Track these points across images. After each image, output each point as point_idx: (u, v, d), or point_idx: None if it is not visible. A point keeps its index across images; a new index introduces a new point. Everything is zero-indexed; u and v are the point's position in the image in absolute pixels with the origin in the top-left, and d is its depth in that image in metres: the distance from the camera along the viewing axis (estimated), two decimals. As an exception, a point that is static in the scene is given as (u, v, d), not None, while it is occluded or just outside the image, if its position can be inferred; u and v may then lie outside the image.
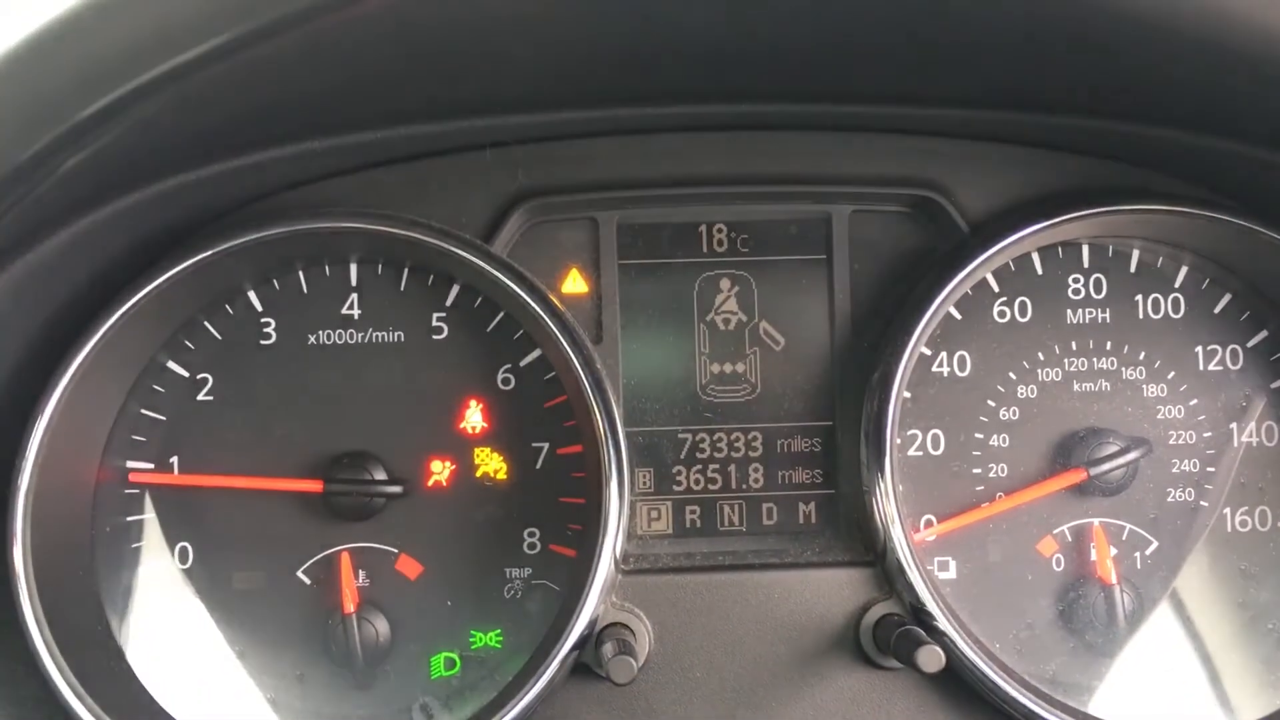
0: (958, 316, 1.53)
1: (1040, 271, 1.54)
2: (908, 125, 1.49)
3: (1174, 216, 1.47)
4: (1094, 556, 1.50)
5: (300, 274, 1.50)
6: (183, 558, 1.48)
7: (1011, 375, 1.53)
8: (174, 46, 0.87)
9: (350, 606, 1.45)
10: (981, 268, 1.47)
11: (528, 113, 1.44)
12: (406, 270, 1.50)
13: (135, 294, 1.36)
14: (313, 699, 1.46)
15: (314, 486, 1.45)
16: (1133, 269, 1.55)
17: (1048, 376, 1.53)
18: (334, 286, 1.50)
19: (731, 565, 1.47)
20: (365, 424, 1.48)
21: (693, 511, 1.53)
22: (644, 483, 1.53)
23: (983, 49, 1.27)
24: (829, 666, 1.43)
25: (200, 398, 1.48)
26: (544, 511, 1.48)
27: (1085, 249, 1.54)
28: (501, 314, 1.50)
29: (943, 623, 1.39)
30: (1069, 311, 1.54)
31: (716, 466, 1.54)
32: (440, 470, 1.49)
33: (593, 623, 1.38)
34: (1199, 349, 1.55)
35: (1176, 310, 1.55)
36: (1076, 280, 1.55)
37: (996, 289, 1.53)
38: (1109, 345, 1.54)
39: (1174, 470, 1.53)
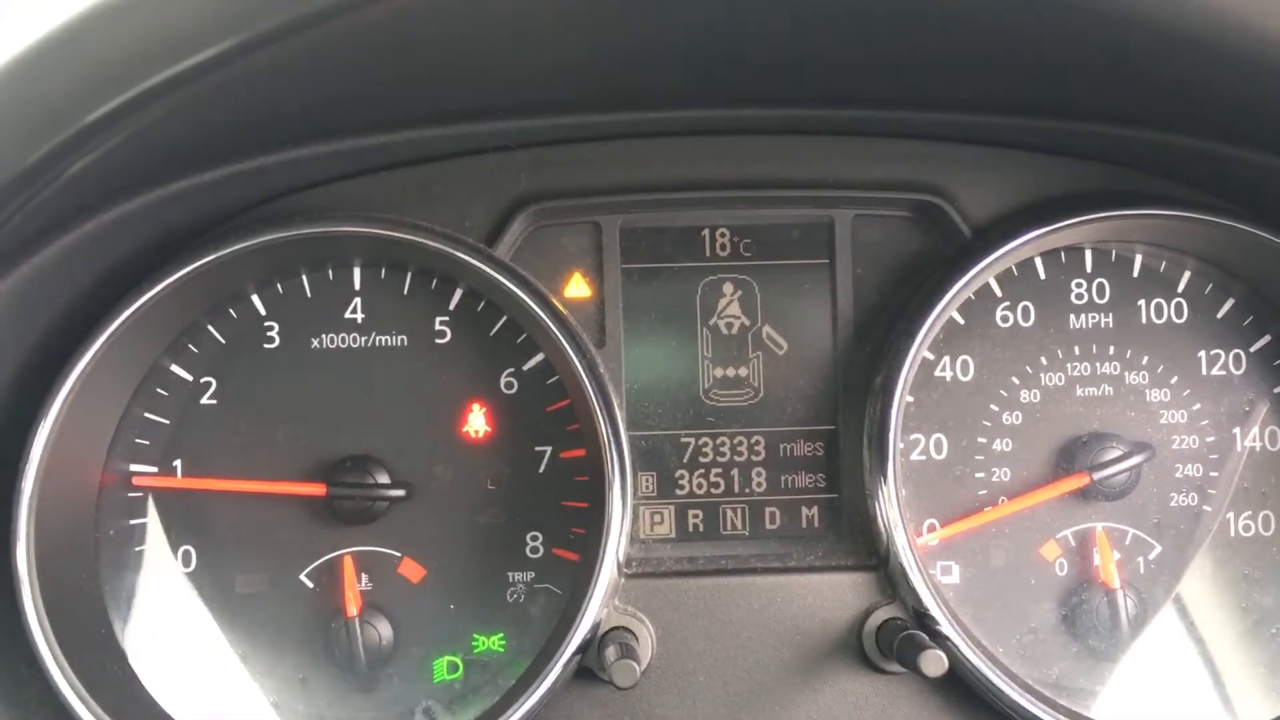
0: (960, 321, 1.53)
1: (1043, 276, 1.54)
2: (911, 130, 1.49)
3: (1177, 221, 1.47)
4: (1097, 561, 1.50)
5: (304, 278, 1.50)
6: (186, 561, 1.48)
7: (1014, 380, 1.53)
8: (179, 52, 0.87)
9: (353, 610, 1.45)
10: (984, 272, 1.47)
11: (531, 117, 1.44)
12: (410, 274, 1.51)
13: (140, 298, 1.37)
14: (315, 702, 1.46)
15: (317, 490, 1.45)
16: (1135, 274, 1.55)
17: (1051, 381, 1.53)
18: (337, 290, 1.50)
19: (734, 569, 1.47)
20: (368, 428, 1.49)
21: (695, 515, 1.53)
22: (647, 487, 1.53)
23: (985, 54, 1.28)
24: (832, 671, 1.43)
25: (204, 401, 1.49)
26: (547, 515, 1.49)
27: (1088, 254, 1.54)
28: (504, 318, 1.50)
29: (946, 627, 1.39)
30: (1072, 316, 1.54)
31: (719, 470, 1.54)
32: (443, 474, 1.49)
33: (595, 627, 1.38)
34: (1202, 354, 1.55)
35: (1179, 315, 1.55)
36: (1079, 285, 1.55)
37: (999, 293, 1.54)
38: (1112, 350, 1.54)
39: (1177, 475, 1.53)
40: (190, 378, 1.49)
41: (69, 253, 1.29)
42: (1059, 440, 1.52)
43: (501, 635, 1.48)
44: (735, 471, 1.54)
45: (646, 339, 1.53)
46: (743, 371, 1.55)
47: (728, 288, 1.55)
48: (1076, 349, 1.53)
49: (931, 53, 1.28)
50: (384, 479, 1.47)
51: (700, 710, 1.42)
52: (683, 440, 1.54)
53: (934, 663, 1.29)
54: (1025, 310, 1.54)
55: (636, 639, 1.39)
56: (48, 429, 1.34)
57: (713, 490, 1.53)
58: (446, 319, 1.50)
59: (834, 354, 1.53)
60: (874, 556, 1.46)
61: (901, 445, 1.49)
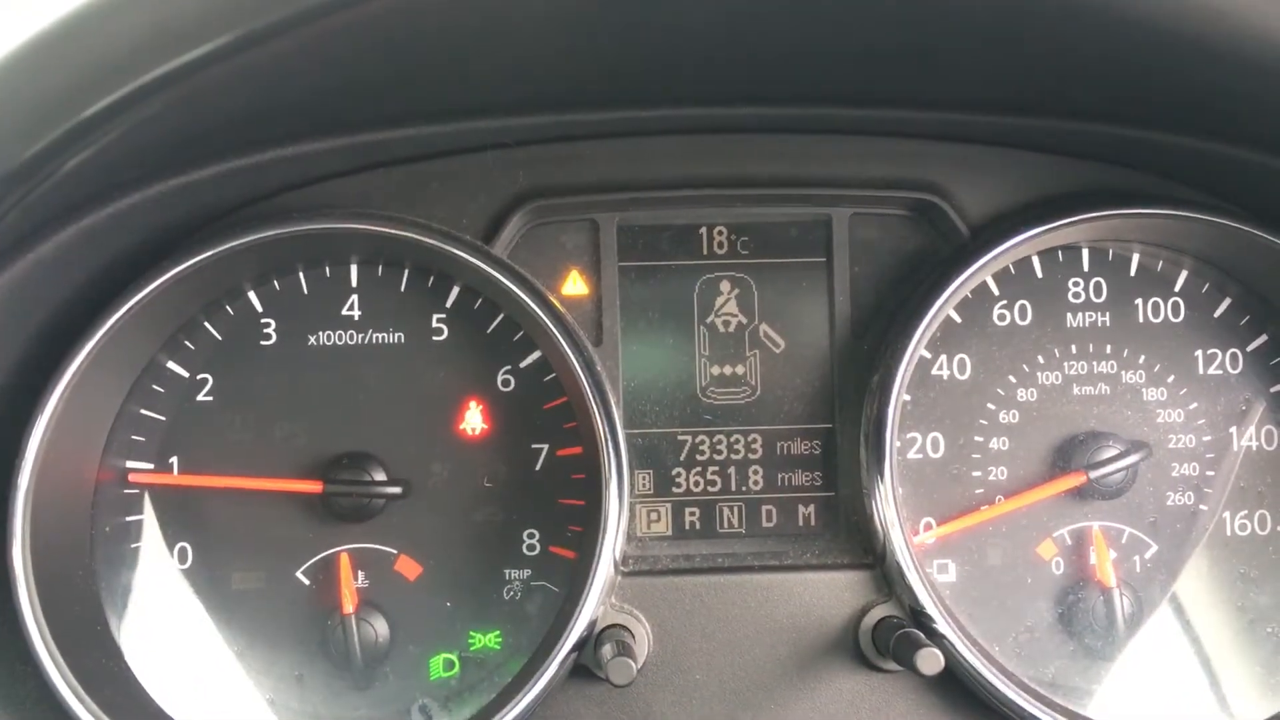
0: (958, 320, 1.53)
1: (1040, 275, 1.54)
2: (908, 129, 1.49)
3: (1174, 220, 1.47)
4: (1093, 560, 1.50)
5: (301, 275, 1.50)
6: (182, 558, 1.48)
7: (1011, 378, 1.53)
8: (175, 48, 0.87)
9: (349, 607, 1.45)
10: (981, 271, 1.47)
11: (529, 114, 1.44)
12: (407, 271, 1.50)
13: (136, 294, 1.36)
14: (311, 700, 1.46)
15: (314, 487, 1.45)
16: (1132, 273, 1.55)
17: (1048, 380, 1.53)
18: (334, 287, 1.50)
19: (731, 567, 1.47)
20: (365, 425, 1.48)
21: (692, 513, 1.53)
22: (644, 485, 1.53)
23: (982, 53, 1.28)
24: (828, 669, 1.43)
25: (200, 398, 1.49)
26: (543, 513, 1.48)
27: (1085, 253, 1.55)
28: (502, 315, 1.50)
29: (942, 625, 1.39)
30: (1069, 315, 1.54)
31: (716, 468, 1.54)
32: (440, 471, 1.49)
33: (592, 624, 1.38)
34: (1199, 353, 1.55)
35: (1176, 314, 1.55)
36: (1076, 284, 1.55)
37: (996, 292, 1.54)
38: (1109, 349, 1.54)
39: (1173, 474, 1.53)
40: (187, 374, 1.49)
41: (65, 249, 1.28)
42: (1056, 439, 1.52)
43: (498, 633, 1.48)
44: (732, 469, 1.54)
45: (644, 337, 1.53)
46: (740, 369, 1.55)
47: (725, 286, 1.55)
48: (1073, 348, 1.54)
49: (929, 52, 1.28)
50: (380, 476, 1.47)
51: (697, 707, 1.42)
52: (680, 438, 1.54)
53: (930, 661, 1.29)
54: (1022, 309, 1.54)
55: (633, 636, 1.39)
56: (44, 425, 1.33)
57: (709, 488, 1.53)
58: (443, 316, 1.50)
59: (831, 352, 1.53)
60: (870, 555, 1.46)
61: (898, 444, 1.50)
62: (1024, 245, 1.47)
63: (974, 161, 1.50)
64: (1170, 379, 1.54)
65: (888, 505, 1.42)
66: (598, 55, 1.29)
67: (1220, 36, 1.10)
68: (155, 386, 1.48)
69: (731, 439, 1.54)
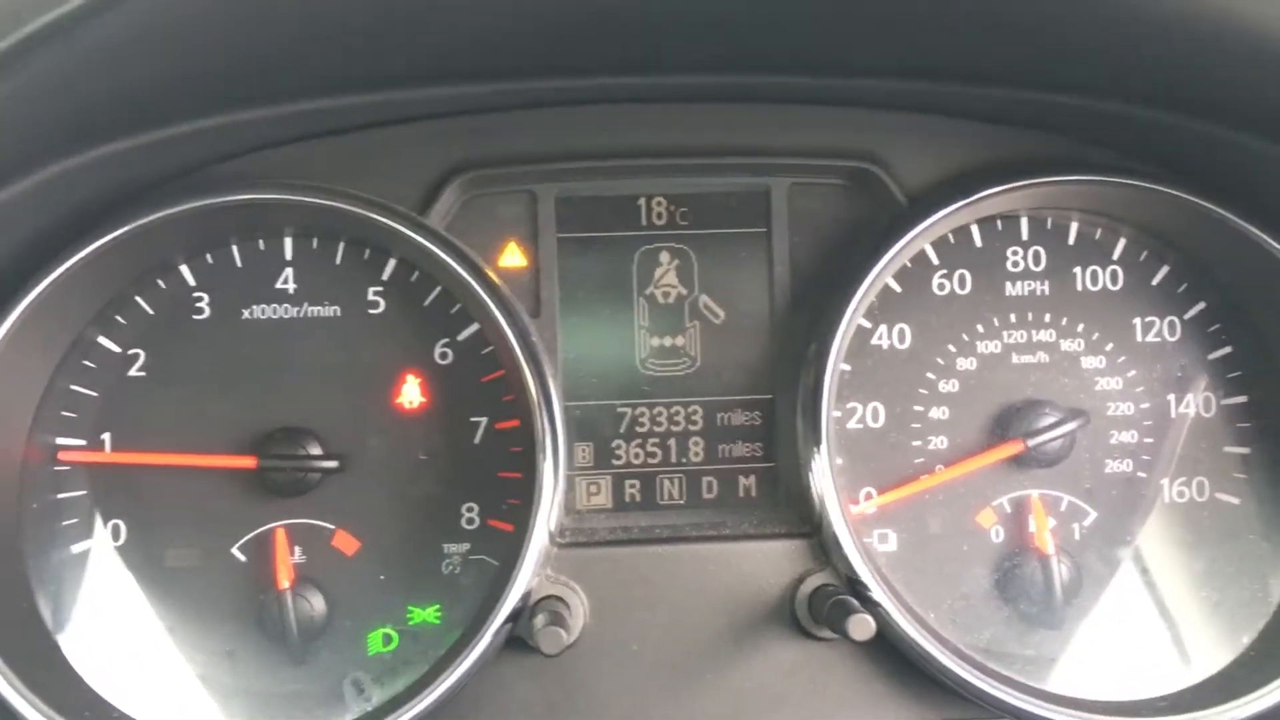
0: (897, 289, 1.52)
1: (979, 244, 1.54)
2: (846, 97, 1.49)
3: (1110, 188, 1.47)
4: (1032, 528, 1.51)
5: (234, 248, 1.48)
6: (115, 535, 1.46)
7: (951, 348, 1.53)
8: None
9: (285, 583, 1.43)
10: (919, 239, 1.47)
11: (463, 84, 1.42)
12: (342, 244, 1.49)
13: (59, 267, 1.34)
14: (242, 675, 1.45)
15: (247, 463, 1.43)
16: (1071, 241, 1.55)
17: (987, 349, 1.53)
18: (268, 260, 1.48)
19: (668, 538, 1.46)
20: (300, 399, 1.47)
21: (632, 486, 1.53)
22: (583, 457, 1.52)
23: (918, 19, 1.27)
24: (765, 638, 1.43)
25: (132, 374, 1.47)
26: (482, 486, 1.48)
27: (1024, 221, 1.54)
28: (438, 288, 1.48)
29: (877, 593, 1.39)
30: (1008, 284, 1.54)
31: (656, 440, 1.53)
32: (377, 445, 1.48)
33: (526, 596, 1.38)
34: (1137, 321, 1.55)
35: (1115, 282, 1.55)
36: (1015, 253, 1.55)
37: (936, 261, 1.53)
38: (1048, 317, 1.54)
39: (1112, 441, 1.54)
40: (118, 349, 1.47)
41: (-16, 221, 1.26)
42: (995, 408, 1.52)
43: (437, 607, 1.47)
44: (672, 441, 1.53)
45: (582, 309, 1.53)
46: (680, 341, 1.54)
47: (664, 257, 1.55)
48: (1013, 316, 1.54)
49: (867, 18, 1.27)
50: (316, 450, 1.45)
51: (633, 678, 1.42)
52: (619, 410, 1.53)
53: (861, 626, 1.29)
54: (962, 278, 1.54)
55: (568, 608, 1.38)
56: None
57: (650, 460, 1.53)
58: (380, 289, 1.49)
59: (771, 323, 1.53)
60: (808, 524, 1.46)
61: (838, 413, 1.50)
62: (961, 213, 1.47)
63: (911, 130, 1.50)
64: (1108, 347, 1.54)
65: (824, 475, 1.42)
66: (533, 22, 1.28)
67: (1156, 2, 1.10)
68: (86, 362, 1.46)
69: (672, 411, 1.53)
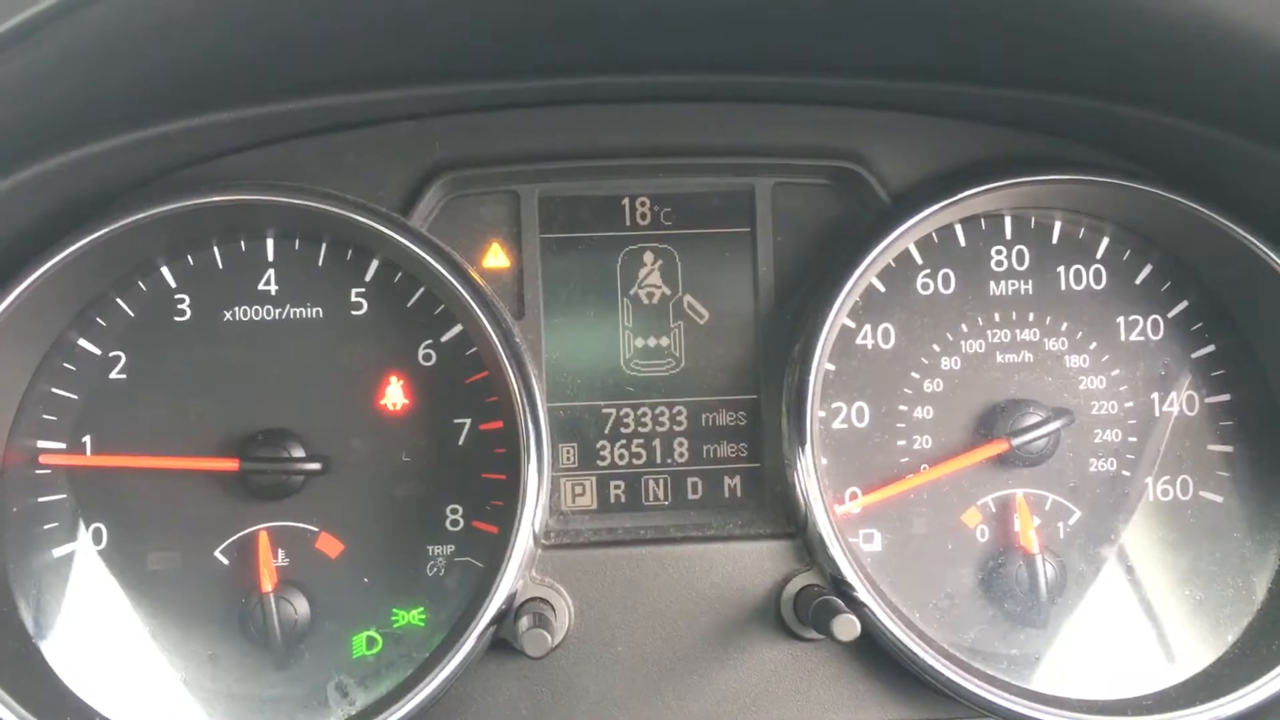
0: (881, 289, 1.52)
1: (963, 243, 1.54)
2: (829, 96, 1.49)
3: (1094, 187, 1.47)
4: (1017, 527, 1.51)
5: (215, 249, 1.47)
6: (96, 538, 1.45)
7: (935, 347, 1.53)
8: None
9: (268, 586, 1.43)
10: (903, 238, 1.47)
11: (446, 84, 1.42)
12: (324, 245, 1.48)
13: (40, 267, 1.33)
14: (224, 679, 1.44)
15: (230, 465, 1.43)
16: (1055, 240, 1.55)
17: (971, 348, 1.53)
18: (250, 262, 1.47)
19: (653, 539, 1.46)
20: (283, 401, 1.46)
21: (617, 487, 1.52)
22: (568, 458, 1.52)
23: (901, 18, 1.27)
24: (750, 639, 1.43)
25: (113, 376, 1.46)
26: (466, 488, 1.47)
27: (1008, 220, 1.55)
28: (422, 289, 1.48)
29: (862, 593, 1.39)
30: (992, 283, 1.54)
31: (641, 441, 1.53)
32: (360, 447, 1.47)
33: (511, 598, 1.37)
34: (1120, 320, 1.55)
35: (1098, 281, 1.55)
36: (999, 252, 1.55)
37: (920, 261, 1.53)
38: (1031, 316, 1.54)
39: (1096, 440, 1.54)
40: (99, 352, 1.46)
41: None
42: (979, 407, 1.52)
43: (422, 609, 1.47)
44: (657, 442, 1.53)
45: (566, 309, 1.52)
46: (664, 341, 1.54)
47: (648, 257, 1.54)
48: (996, 316, 1.54)
49: (850, 17, 1.27)
50: (299, 453, 1.44)
51: (618, 680, 1.42)
52: (604, 411, 1.53)
53: (846, 627, 1.29)
54: (946, 277, 1.54)
55: (553, 610, 1.38)
56: None
57: (634, 461, 1.52)
58: (363, 290, 1.48)
59: (755, 323, 1.53)
60: (793, 524, 1.46)
61: (823, 413, 1.49)
62: (945, 212, 1.47)
63: (895, 129, 1.50)
64: (1092, 346, 1.55)
65: (809, 476, 1.42)
66: (516, 22, 1.27)
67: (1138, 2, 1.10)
68: (66, 364, 1.45)
69: (656, 411, 1.53)
